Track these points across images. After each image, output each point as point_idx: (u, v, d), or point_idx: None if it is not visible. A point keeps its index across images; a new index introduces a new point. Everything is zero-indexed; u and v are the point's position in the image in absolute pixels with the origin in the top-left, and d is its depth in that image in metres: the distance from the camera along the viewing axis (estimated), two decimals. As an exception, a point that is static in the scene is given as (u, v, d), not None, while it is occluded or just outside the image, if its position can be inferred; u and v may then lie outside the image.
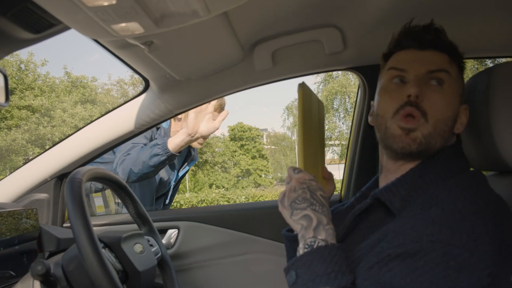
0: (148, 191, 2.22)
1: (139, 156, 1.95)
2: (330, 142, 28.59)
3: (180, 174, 2.38)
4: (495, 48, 1.45)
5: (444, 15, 1.23)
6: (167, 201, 2.39)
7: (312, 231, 0.79)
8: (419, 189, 0.84)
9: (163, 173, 2.28)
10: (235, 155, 31.39)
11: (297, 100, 0.95)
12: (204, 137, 2.04)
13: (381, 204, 0.87)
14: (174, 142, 1.94)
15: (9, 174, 1.67)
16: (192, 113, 1.92)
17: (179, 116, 2.19)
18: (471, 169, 0.91)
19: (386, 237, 0.76)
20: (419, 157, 0.88)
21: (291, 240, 1.04)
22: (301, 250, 0.78)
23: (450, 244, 0.68)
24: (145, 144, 2.06)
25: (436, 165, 0.86)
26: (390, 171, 0.94)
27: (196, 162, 2.44)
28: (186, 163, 2.40)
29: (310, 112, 0.98)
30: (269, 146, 34.78)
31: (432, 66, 0.89)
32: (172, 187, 2.36)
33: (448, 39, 0.93)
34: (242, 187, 28.02)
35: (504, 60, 1.51)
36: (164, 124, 2.21)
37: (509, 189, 0.98)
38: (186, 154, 2.40)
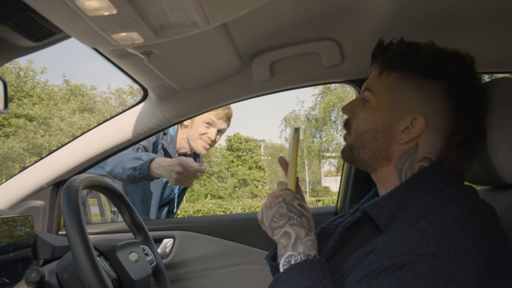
0: (154, 198, 2.22)
1: (123, 160, 1.89)
2: (327, 154, 28.58)
3: None
4: (492, 63, 1.46)
5: (440, 30, 1.24)
6: (171, 208, 2.38)
7: (291, 247, 0.80)
8: (406, 205, 0.84)
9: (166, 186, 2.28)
10: (232, 166, 31.35)
11: (291, 145, 0.97)
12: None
13: (370, 219, 0.87)
14: (156, 171, 1.86)
15: (5, 181, 1.67)
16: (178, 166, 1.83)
17: (185, 123, 2.21)
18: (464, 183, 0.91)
19: (375, 250, 0.77)
20: (361, 166, 0.97)
21: (275, 268, 1.05)
22: (281, 267, 0.79)
23: (438, 256, 0.69)
24: (144, 147, 2.06)
25: (425, 181, 0.85)
26: (377, 184, 0.98)
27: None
28: None
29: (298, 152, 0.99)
30: (266, 157, 34.76)
31: (364, 86, 0.98)
32: (176, 194, 2.36)
33: (388, 53, 0.94)
34: (238, 197, 27.94)
35: (501, 75, 1.52)
36: (171, 131, 2.22)
37: (503, 204, 0.98)
38: None
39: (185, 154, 2.31)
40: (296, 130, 0.95)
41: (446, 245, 0.70)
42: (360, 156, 0.94)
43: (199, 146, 2.19)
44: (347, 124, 0.99)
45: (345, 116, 1.01)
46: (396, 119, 0.90)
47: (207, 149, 2.20)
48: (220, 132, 2.20)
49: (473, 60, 0.91)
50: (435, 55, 0.90)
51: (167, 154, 2.21)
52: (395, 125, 0.90)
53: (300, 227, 0.82)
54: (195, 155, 2.39)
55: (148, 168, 1.85)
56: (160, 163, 1.86)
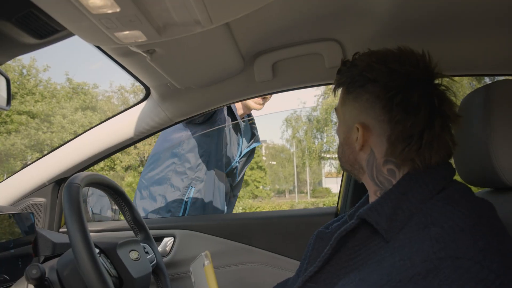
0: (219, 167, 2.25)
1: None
2: (328, 155, 28.57)
3: (244, 151, 2.38)
4: (493, 66, 1.45)
5: (442, 32, 1.24)
6: (234, 182, 2.39)
7: None
8: (403, 206, 0.82)
9: (227, 149, 2.30)
10: (234, 166, 31.32)
11: (202, 272, 0.93)
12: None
13: (367, 223, 0.86)
14: None
15: (6, 178, 1.67)
16: None
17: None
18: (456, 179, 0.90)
19: (389, 262, 0.74)
20: (353, 176, 1.04)
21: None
22: None
23: (459, 257, 0.67)
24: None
25: (417, 181, 0.84)
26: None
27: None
28: (251, 142, 2.44)
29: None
30: (267, 158, 34.71)
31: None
32: (238, 167, 2.36)
33: (346, 70, 0.98)
34: (239, 198, 27.94)
35: (502, 78, 1.52)
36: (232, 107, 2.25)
37: (504, 206, 0.98)
38: (251, 135, 2.45)
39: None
40: (206, 256, 0.92)
41: (463, 246, 0.69)
42: (345, 168, 1.02)
43: (253, 103, 2.24)
44: None
45: None
46: (349, 131, 0.96)
47: (261, 104, 2.25)
48: (265, 99, 2.25)
49: (403, 59, 0.90)
50: (364, 65, 0.93)
51: (229, 111, 2.23)
52: (350, 137, 0.96)
53: None
54: (252, 128, 2.46)
55: None
56: None
